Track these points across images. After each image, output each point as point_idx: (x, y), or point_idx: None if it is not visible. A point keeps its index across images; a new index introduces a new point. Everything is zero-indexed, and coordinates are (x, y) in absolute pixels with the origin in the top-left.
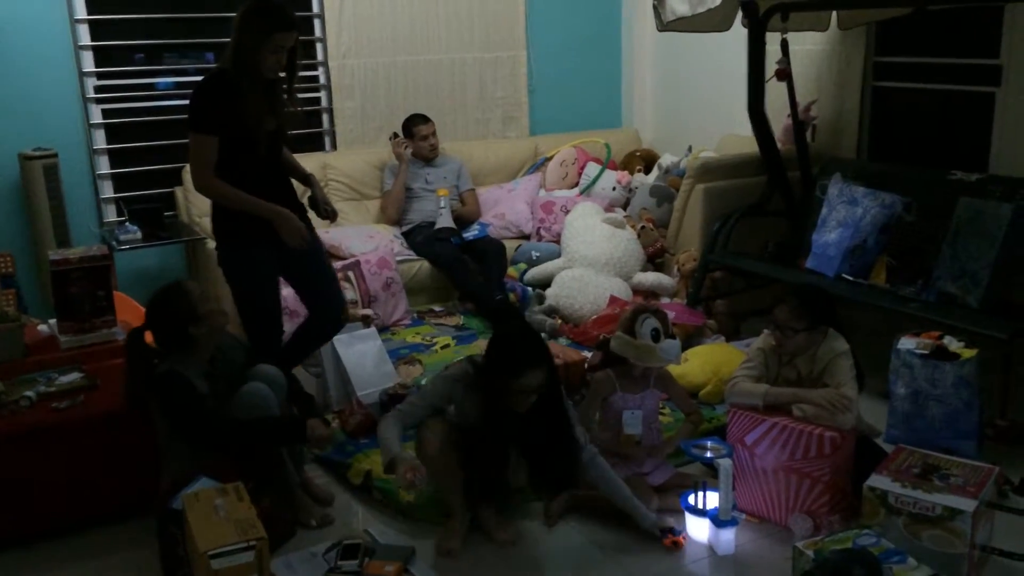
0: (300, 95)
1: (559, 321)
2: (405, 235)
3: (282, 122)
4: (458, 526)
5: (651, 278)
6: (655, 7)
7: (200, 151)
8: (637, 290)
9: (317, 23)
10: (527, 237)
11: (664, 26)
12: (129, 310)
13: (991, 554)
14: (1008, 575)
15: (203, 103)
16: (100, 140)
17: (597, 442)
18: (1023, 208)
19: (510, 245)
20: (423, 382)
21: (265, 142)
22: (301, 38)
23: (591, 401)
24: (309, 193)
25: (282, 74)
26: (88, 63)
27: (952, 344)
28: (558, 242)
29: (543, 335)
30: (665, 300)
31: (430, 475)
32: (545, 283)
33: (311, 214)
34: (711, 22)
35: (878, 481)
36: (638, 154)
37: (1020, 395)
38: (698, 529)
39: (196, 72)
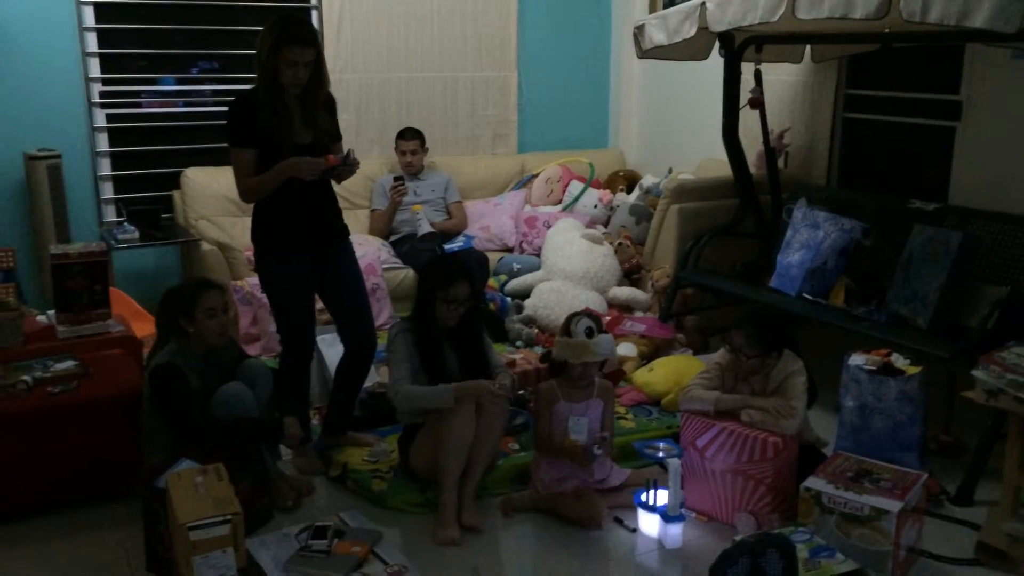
0: None
1: (536, 330)
2: (393, 244)
3: (318, 135)
4: (452, 515)
5: (626, 292)
6: (635, 35)
7: (239, 163)
8: (612, 303)
9: None
10: (510, 250)
11: (643, 53)
12: (124, 305)
13: (920, 555)
14: None
15: (236, 118)
16: (103, 143)
17: (548, 448)
18: (972, 237)
19: (493, 257)
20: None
21: (299, 152)
22: None
23: (540, 411)
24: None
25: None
26: (94, 69)
27: (899, 362)
28: (539, 255)
29: (519, 344)
30: (639, 314)
31: (444, 448)
32: (524, 294)
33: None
34: (688, 52)
35: (814, 482)
36: (621, 174)
37: (965, 413)
38: (649, 524)
39: (199, 80)
